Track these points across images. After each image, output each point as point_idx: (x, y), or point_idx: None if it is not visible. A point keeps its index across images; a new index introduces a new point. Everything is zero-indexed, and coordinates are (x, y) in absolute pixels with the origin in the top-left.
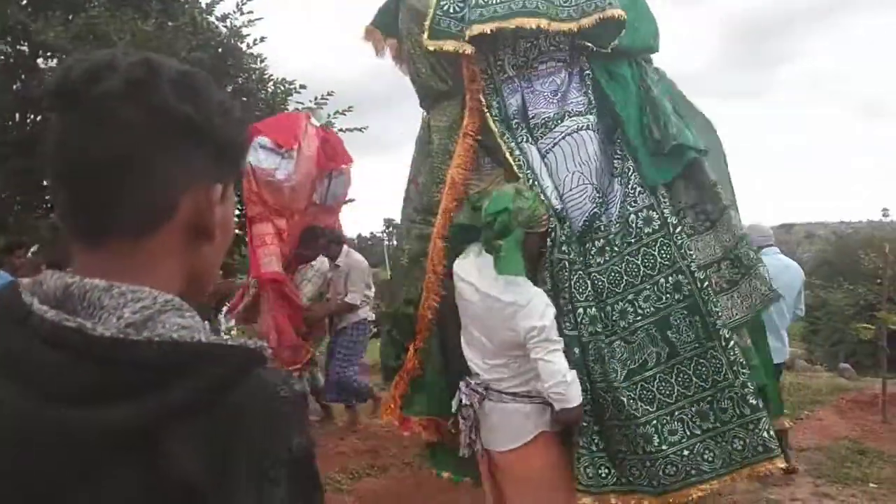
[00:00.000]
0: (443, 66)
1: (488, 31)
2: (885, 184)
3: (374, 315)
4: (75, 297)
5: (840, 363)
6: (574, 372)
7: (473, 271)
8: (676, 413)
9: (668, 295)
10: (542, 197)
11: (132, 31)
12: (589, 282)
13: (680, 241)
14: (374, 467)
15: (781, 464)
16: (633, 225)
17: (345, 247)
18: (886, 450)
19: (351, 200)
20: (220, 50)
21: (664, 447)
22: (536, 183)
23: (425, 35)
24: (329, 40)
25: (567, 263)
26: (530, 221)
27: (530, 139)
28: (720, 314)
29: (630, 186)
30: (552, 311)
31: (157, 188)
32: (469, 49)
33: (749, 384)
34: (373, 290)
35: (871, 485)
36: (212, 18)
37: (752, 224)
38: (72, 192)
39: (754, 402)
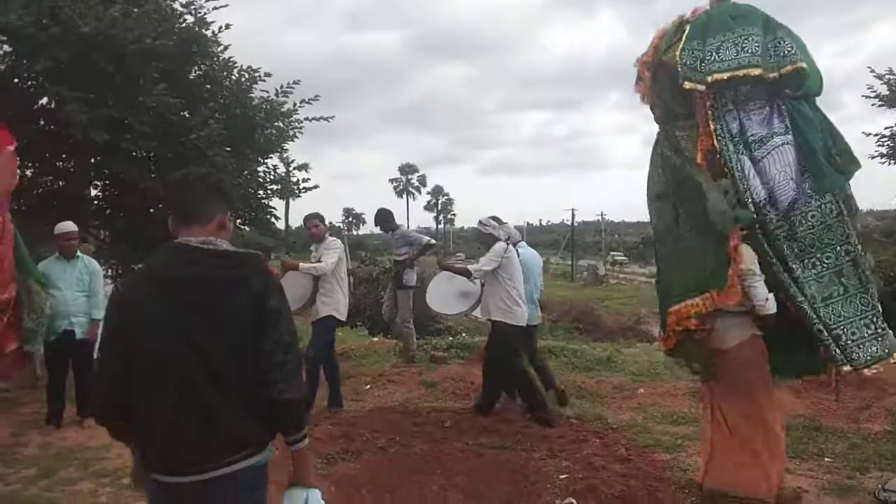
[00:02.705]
0: (683, 97)
1: (725, 78)
2: None
3: None
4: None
5: None
6: (771, 294)
7: None
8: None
9: (841, 256)
10: (748, 192)
11: (97, 17)
12: (794, 243)
13: (847, 224)
14: (348, 452)
15: None
16: (822, 210)
17: None
18: (840, 426)
19: (315, 187)
20: (184, 36)
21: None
22: (744, 182)
23: (681, 78)
24: (294, 27)
25: (778, 232)
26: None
27: (744, 151)
28: (868, 267)
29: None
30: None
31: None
32: (703, 87)
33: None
34: None
35: (826, 459)
36: (176, 5)
37: (506, 225)
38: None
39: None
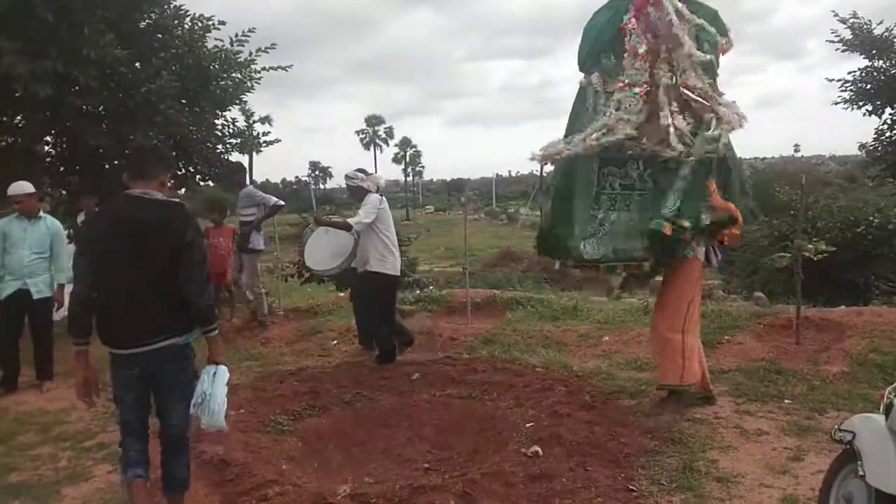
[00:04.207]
0: None
1: None
2: (796, 123)
3: None
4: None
5: (754, 293)
6: None
7: None
8: None
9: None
10: None
11: None
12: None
13: None
14: (315, 407)
15: None
16: None
17: None
18: (800, 369)
19: (277, 141)
20: None
21: None
22: None
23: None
24: None
25: None
26: None
27: None
28: None
29: None
30: None
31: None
32: None
33: None
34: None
35: (786, 401)
36: None
37: (373, 176)
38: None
39: None
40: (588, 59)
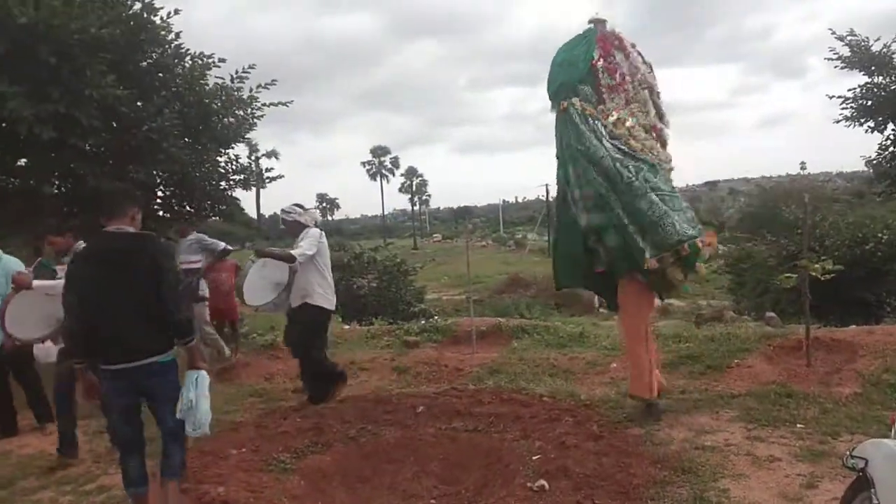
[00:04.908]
0: None
1: None
2: (801, 141)
3: None
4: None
5: (766, 313)
6: None
7: None
8: None
9: None
10: None
11: (35, 5)
12: None
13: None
14: (318, 444)
15: None
16: None
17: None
18: (811, 391)
19: (280, 177)
20: (132, 24)
21: None
22: None
23: None
24: (264, 12)
25: None
26: None
27: None
28: None
29: None
30: None
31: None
32: None
33: None
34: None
35: (799, 425)
36: None
37: (310, 210)
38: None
39: None
40: (562, 89)
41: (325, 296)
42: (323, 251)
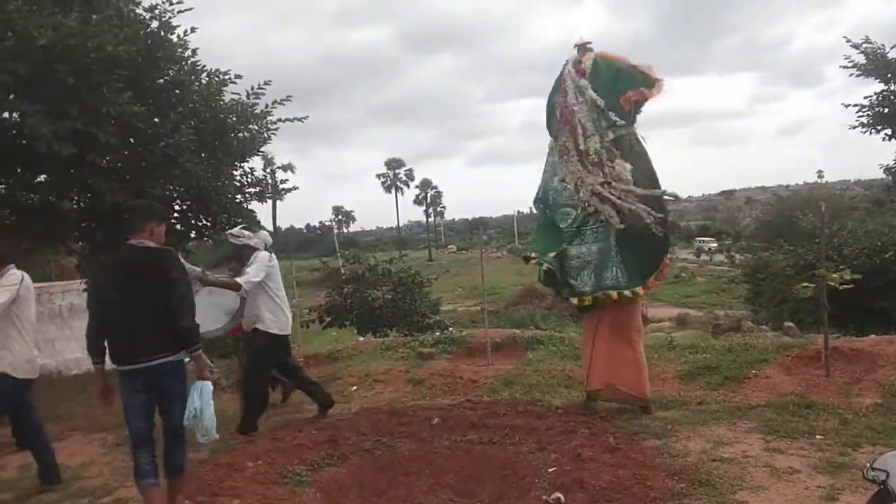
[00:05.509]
0: None
1: None
2: (819, 149)
3: None
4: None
5: (784, 322)
6: None
7: None
8: None
9: None
10: None
11: (53, 26)
12: None
13: None
14: (334, 457)
15: None
16: None
17: None
18: (831, 402)
19: (295, 188)
20: (149, 42)
21: None
22: None
23: None
24: (281, 28)
25: None
26: None
27: None
28: None
29: None
30: None
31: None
32: None
33: None
34: None
35: (818, 437)
36: (139, 10)
37: (260, 233)
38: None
39: None
40: (548, 128)
41: (276, 321)
42: (273, 275)
